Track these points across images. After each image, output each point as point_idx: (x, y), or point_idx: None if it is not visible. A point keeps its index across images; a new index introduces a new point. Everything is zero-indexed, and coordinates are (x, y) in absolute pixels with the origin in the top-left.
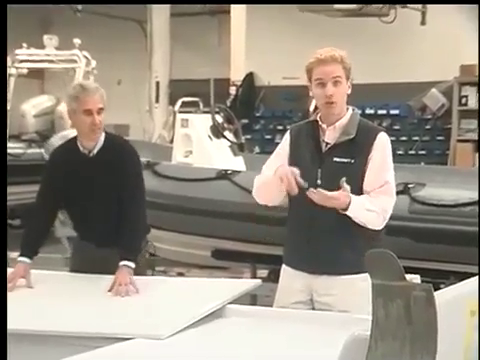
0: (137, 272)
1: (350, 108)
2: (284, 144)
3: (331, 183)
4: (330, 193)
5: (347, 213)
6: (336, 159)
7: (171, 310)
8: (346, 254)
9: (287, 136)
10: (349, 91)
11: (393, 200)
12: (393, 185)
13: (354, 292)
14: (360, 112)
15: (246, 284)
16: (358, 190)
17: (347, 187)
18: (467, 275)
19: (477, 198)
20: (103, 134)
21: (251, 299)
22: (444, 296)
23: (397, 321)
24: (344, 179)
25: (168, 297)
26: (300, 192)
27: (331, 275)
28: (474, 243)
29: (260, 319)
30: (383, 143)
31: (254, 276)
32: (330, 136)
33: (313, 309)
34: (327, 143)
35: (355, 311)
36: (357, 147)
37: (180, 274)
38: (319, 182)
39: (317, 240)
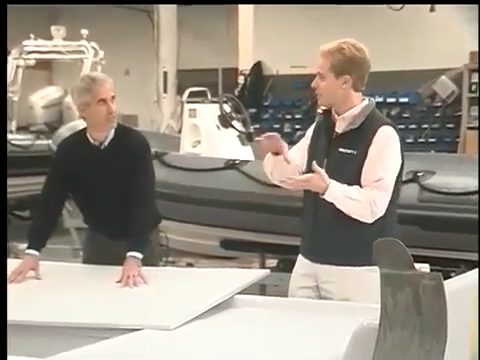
0: (149, 263)
1: (366, 99)
2: (308, 133)
3: (335, 173)
4: (301, 176)
5: (325, 197)
6: (341, 150)
7: (179, 301)
8: (347, 245)
9: (312, 127)
10: (345, 85)
11: (385, 195)
12: (389, 181)
13: (355, 282)
14: (374, 103)
15: (255, 274)
16: (358, 182)
17: (319, 170)
18: (477, 263)
19: None
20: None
21: (260, 289)
22: (453, 285)
23: (406, 310)
24: (314, 162)
25: (177, 288)
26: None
27: (331, 265)
28: None
29: (269, 309)
30: (384, 136)
31: (263, 266)
32: (340, 126)
33: (319, 295)
34: (337, 133)
35: (356, 300)
36: (360, 138)
37: (189, 264)
38: (324, 170)
39: (320, 230)
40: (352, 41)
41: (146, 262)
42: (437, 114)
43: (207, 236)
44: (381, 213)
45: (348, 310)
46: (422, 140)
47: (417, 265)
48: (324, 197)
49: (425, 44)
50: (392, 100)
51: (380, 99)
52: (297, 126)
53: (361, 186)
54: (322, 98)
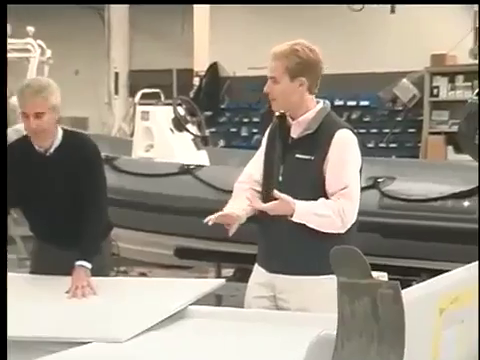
0: (99, 273)
1: (321, 102)
2: (263, 143)
3: (291, 180)
4: (265, 206)
5: (294, 220)
6: (297, 155)
7: (131, 312)
8: (304, 255)
9: (266, 133)
10: (300, 88)
11: (353, 203)
12: (355, 188)
13: (313, 292)
14: (329, 106)
15: (210, 284)
16: (317, 188)
17: (281, 195)
18: (439, 272)
19: (449, 192)
20: (60, 131)
21: (216, 299)
22: (412, 294)
23: (364, 319)
24: (275, 191)
25: (128, 298)
26: (265, 195)
27: (289, 274)
28: (445, 239)
29: (225, 320)
30: (342, 141)
31: (219, 275)
32: (295, 131)
33: (276, 305)
34: (292, 138)
35: (313, 310)
36: (317, 143)
37: (142, 274)
38: (280, 179)
39: (276, 238)
40: (305, 42)
41: (96, 272)
42: (398, 118)
43: (160, 244)
44: (352, 222)
45: (306, 320)
46: (383, 145)
47: (375, 274)
48: (292, 219)
49: (386, 46)
50: (352, 103)
51: (340, 102)
52: (255, 130)
53: (320, 192)
54: (277, 103)
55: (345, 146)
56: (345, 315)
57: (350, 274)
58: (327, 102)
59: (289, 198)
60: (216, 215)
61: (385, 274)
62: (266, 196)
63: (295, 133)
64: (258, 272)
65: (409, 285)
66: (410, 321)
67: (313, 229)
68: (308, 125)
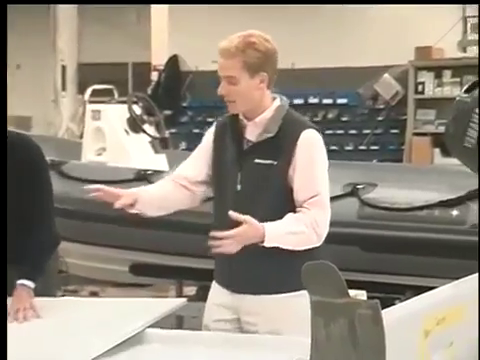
0: (45, 293)
1: (277, 98)
2: (206, 142)
3: (251, 189)
4: (230, 233)
5: (266, 245)
6: (257, 160)
7: (80, 337)
8: (272, 272)
9: (211, 131)
10: (262, 84)
11: (326, 212)
12: (326, 195)
13: (284, 312)
14: (288, 102)
15: (170, 304)
16: (282, 197)
17: (248, 219)
18: (425, 289)
19: (435, 200)
20: None
21: (176, 321)
22: (394, 314)
23: (340, 343)
24: (245, 217)
25: (77, 321)
26: (220, 203)
27: (256, 295)
28: (432, 252)
29: (187, 345)
30: (309, 143)
31: (180, 294)
32: (252, 133)
33: (240, 329)
34: (249, 141)
35: (285, 333)
36: (279, 146)
37: (93, 294)
38: (239, 188)
39: (239, 258)
40: (258, 33)
41: (41, 292)
42: (380, 118)
43: (114, 260)
44: (326, 233)
45: (277, 344)
46: (363, 147)
47: (352, 292)
48: (264, 245)
49: (366, 38)
50: (329, 101)
51: (315, 100)
52: None
53: (285, 200)
54: (237, 105)
55: (312, 148)
56: (319, 339)
57: (324, 293)
58: (284, 98)
59: (256, 222)
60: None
61: (364, 292)
62: (221, 210)
63: (252, 135)
64: (217, 291)
65: (391, 304)
66: (392, 345)
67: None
68: (267, 126)
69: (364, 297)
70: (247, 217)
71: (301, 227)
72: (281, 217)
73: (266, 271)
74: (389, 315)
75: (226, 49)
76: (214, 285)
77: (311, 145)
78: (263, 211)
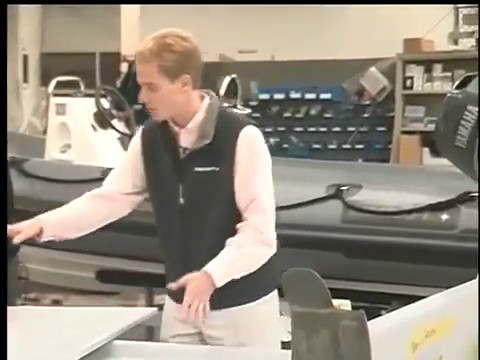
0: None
1: (206, 96)
2: (133, 150)
3: (196, 201)
4: (186, 295)
5: (219, 286)
6: (198, 169)
7: (41, 349)
8: (231, 284)
9: (137, 138)
10: (185, 87)
11: (267, 215)
12: (265, 196)
13: (248, 322)
14: (216, 98)
15: (139, 313)
16: (231, 205)
17: (189, 278)
18: (413, 299)
19: (424, 204)
20: None
21: (147, 332)
22: (380, 326)
23: (323, 356)
24: (172, 285)
25: (39, 332)
26: (162, 218)
27: (218, 309)
28: (421, 259)
29: (157, 358)
30: (249, 141)
31: (151, 303)
32: (186, 140)
33: (203, 342)
34: (185, 149)
35: (250, 344)
36: (219, 150)
37: (56, 302)
38: (182, 201)
39: (192, 268)
40: (175, 31)
41: None
42: (365, 115)
43: (79, 266)
44: (274, 235)
45: (248, 356)
46: (347, 146)
47: (336, 302)
48: (218, 286)
49: (350, 29)
50: (311, 96)
51: (297, 95)
52: None
53: (236, 209)
54: (160, 112)
55: (252, 147)
56: (301, 352)
57: (306, 303)
58: (212, 93)
59: (196, 274)
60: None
61: (348, 302)
62: (165, 228)
63: (187, 142)
64: (174, 305)
65: (377, 314)
66: (378, 359)
67: None
68: (201, 131)
69: (349, 307)
70: (186, 278)
71: (247, 249)
72: (232, 228)
73: (225, 285)
74: (375, 327)
75: (140, 53)
76: (169, 299)
77: (251, 143)
78: (212, 224)
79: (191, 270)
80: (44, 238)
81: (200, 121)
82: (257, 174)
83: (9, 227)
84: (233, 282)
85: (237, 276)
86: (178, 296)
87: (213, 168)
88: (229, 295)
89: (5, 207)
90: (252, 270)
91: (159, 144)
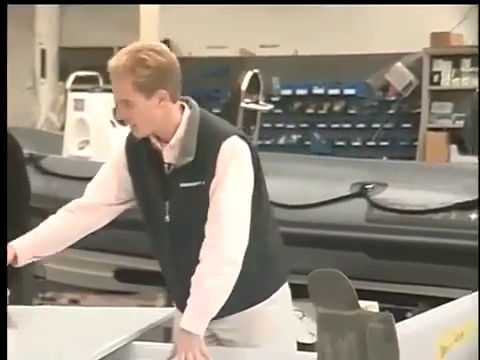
0: (19, 301)
1: (186, 108)
2: (117, 162)
3: (181, 218)
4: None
5: (211, 317)
6: (183, 185)
7: (60, 350)
8: (236, 291)
9: (121, 150)
10: (163, 102)
11: (225, 228)
12: (227, 208)
13: (260, 324)
14: (197, 106)
15: (158, 314)
16: None
17: (175, 348)
18: (440, 301)
19: (452, 203)
20: None
21: (165, 333)
22: (408, 328)
23: None
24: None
25: (56, 333)
26: (150, 233)
27: (225, 317)
28: (448, 259)
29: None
30: (228, 153)
31: (169, 303)
32: (169, 156)
33: (219, 344)
34: (169, 164)
35: (265, 345)
36: (203, 163)
37: (73, 302)
38: (167, 218)
39: (188, 282)
40: (149, 45)
41: (15, 299)
42: (391, 111)
43: (97, 265)
44: (236, 249)
45: (266, 358)
46: (372, 143)
47: (363, 303)
48: (202, 333)
49: (376, 23)
50: (335, 92)
51: (320, 90)
52: None
53: None
54: (139, 129)
55: (229, 158)
56: (326, 356)
57: (332, 304)
58: (192, 101)
59: (179, 335)
60: None
61: (376, 304)
62: (156, 242)
63: (170, 158)
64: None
65: (403, 317)
66: None
67: None
68: (184, 148)
69: (376, 309)
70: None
71: (206, 284)
72: None
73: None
74: (402, 329)
75: (114, 69)
76: (176, 311)
77: (230, 155)
78: (197, 241)
79: (183, 281)
80: (21, 263)
81: (181, 136)
82: (224, 185)
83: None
84: (234, 290)
85: (216, 308)
86: (184, 307)
87: (198, 182)
88: (232, 302)
89: (5, 207)
90: (227, 293)
91: (144, 159)
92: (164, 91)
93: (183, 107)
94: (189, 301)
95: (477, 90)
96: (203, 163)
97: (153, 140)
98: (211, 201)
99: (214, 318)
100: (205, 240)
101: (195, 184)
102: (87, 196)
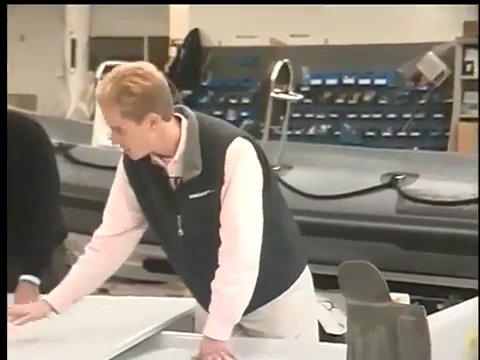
0: (50, 290)
1: (183, 119)
2: (120, 183)
3: (195, 231)
4: None
5: (235, 323)
6: (192, 196)
7: (89, 338)
8: (259, 286)
9: (120, 171)
10: (154, 125)
11: (242, 236)
12: (242, 215)
13: (284, 314)
14: (192, 113)
15: (187, 304)
16: None
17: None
18: (471, 293)
19: None
20: None
21: (193, 323)
22: (439, 321)
23: (379, 353)
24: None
25: (85, 321)
26: (165, 246)
27: (251, 312)
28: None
29: None
30: (234, 156)
31: None
32: (174, 171)
33: (245, 334)
34: (176, 178)
35: (290, 336)
36: (211, 172)
37: (103, 291)
38: (181, 232)
39: (210, 289)
40: (131, 70)
41: (47, 288)
42: (422, 101)
43: None
44: (253, 256)
45: (300, 349)
46: (403, 134)
47: (394, 295)
48: (226, 340)
49: (407, 12)
50: (365, 82)
51: (350, 80)
52: (244, 113)
53: None
54: (134, 153)
55: (236, 162)
56: (357, 348)
57: (362, 295)
58: (187, 110)
59: (205, 342)
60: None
61: (407, 296)
62: (172, 256)
63: (176, 172)
64: (205, 314)
65: (435, 309)
66: (435, 357)
67: None
68: (188, 162)
69: (407, 301)
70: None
71: (226, 294)
72: None
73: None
74: (433, 322)
75: (100, 97)
76: (200, 308)
77: (236, 158)
78: (213, 248)
79: (204, 285)
80: (60, 312)
81: (184, 150)
82: (234, 190)
83: (14, 306)
84: (257, 285)
85: (239, 314)
86: (206, 304)
87: (208, 191)
88: (256, 297)
89: (5, 207)
90: (249, 297)
91: (144, 176)
92: (154, 114)
93: (179, 118)
94: (211, 309)
95: None
96: (210, 171)
97: (154, 158)
98: (223, 206)
99: (248, 312)
100: (221, 246)
101: (205, 193)
102: (106, 227)
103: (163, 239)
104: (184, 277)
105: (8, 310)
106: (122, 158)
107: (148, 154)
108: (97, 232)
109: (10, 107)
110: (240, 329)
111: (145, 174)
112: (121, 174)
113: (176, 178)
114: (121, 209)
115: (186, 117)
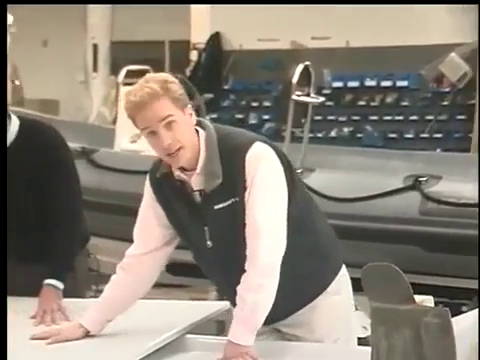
0: (74, 293)
1: (200, 130)
2: (149, 201)
3: (223, 241)
4: None
5: (258, 328)
6: (217, 206)
7: (113, 342)
8: (288, 287)
9: (148, 187)
10: (191, 118)
11: (264, 240)
12: (262, 219)
13: (321, 317)
14: (209, 121)
15: (211, 307)
16: None
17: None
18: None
19: None
20: (17, 122)
21: (217, 327)
22: (465, 322)
23: (403, 356)
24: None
25: (109, 325)
26: (195, 256)
27: (288, 317)
28: None
29: None
30: (254, 162)
31: (222, 297)
32: (197, 183)
33: (282, 338)
34: (199, 190)
35: (330, 339)
36: (232, 180)
37: None
38: (209, 244)
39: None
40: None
41: (70, 293)
42: (445, 102)
43: None
44: (275, 261)
45: (325, 352)
46: (425, 135)
47: (418, 297)
48: (250, 344)
49: (430, 13)
50: (387, 84)
51: (372, 82)
52: (266, 116)
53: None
54: (186, 151)
55: (256, 168)
56: (381, 350)
57: (386, 298)
58: (204, 120)
59: (228, 347)
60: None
61: (431, 298)
62: (203, 265)
63: (199, 185)
64: None
65: (460, 311)
66: (461, 358)
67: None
68: (210, 172)
69: (431, 304)
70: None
71: (253, 296)
72: None
73: (287, 295)
74: (459, 324)
75: (140, 99)
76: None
77: (256, 164)
78: (242, 258)
79: (236, 292)
80: (95, 332)
81: (204, 163)
82: (257, 195)
83: (50, 330)
84: (293, 290)
85: (262, 319)
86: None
87: (232, 200)
88: (293, 302)
89: (5, 207)
90: (271, 302)
91: (168, 193)
92: (190, 105)
93: (197, 131)
94: (235, 313)
95: None
96: (232, 180)
97: (177, 172)
98: (246, 210)
99: (277, 319)
100: (247, 250)
101: (229, 202)
102: (136, 245)
103: (194, 250)
104: (217, 284)
105: (44, 333)
106: (148, 176)
107: (171, 170)
108: (128, 251)
109: (27, 112)
110: (276, 332)
111: (168, 190)
112: (148, 192)
113: (200, 191)
114: (150, 226)
115: (203, 128)
